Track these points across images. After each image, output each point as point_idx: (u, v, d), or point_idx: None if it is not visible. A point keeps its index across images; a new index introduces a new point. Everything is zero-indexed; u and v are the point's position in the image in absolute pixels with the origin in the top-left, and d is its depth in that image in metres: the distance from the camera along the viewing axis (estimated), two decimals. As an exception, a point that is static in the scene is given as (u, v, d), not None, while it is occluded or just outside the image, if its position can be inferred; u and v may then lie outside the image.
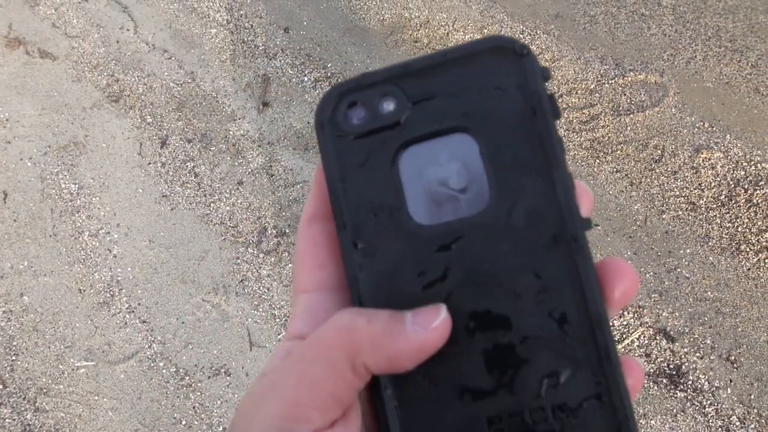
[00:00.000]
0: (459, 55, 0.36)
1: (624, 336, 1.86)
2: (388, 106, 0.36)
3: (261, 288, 2.00)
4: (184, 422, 1.82)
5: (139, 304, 1.99)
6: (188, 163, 2.25)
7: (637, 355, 1.83)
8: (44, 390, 1.87)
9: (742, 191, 2.07)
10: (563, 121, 2.27)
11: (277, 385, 0.31)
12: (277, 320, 1.94)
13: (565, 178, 0.34)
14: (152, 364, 1.89)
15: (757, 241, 1.98)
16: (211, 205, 2.16)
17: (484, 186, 0.35)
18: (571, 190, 0.34)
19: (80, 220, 2.14)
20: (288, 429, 0.30)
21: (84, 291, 2.01)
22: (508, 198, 0.34)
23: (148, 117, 2.36)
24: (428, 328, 0.32)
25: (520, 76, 0.35)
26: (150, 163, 2.26)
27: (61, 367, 1.90)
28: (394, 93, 0.36)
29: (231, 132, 2.31)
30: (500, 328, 0.34)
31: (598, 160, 2.18)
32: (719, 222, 2.03)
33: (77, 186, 2.20)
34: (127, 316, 1.97)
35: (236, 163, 2.24)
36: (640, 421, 1.75)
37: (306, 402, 0.30)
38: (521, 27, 2.51)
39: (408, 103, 0.36)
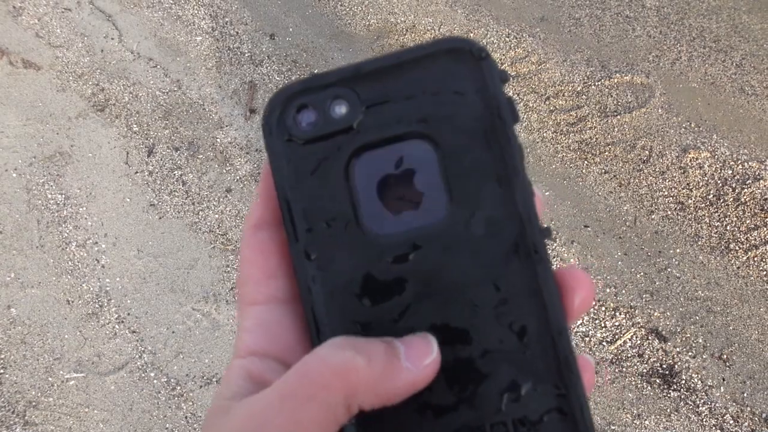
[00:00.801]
0: (414, 57, 0.34)
1: (616, 337, 1.86)
2: (340, 109, 0.34)
3: (251, 296, 1.98)
4: (176, 433, 1.81)
5: (129, 314, 1.97)
6: (176, 172, 2.24)
7: (629, 355, 1.84)
8: (33, 403, 1.84)
9: (730, 190, 2.08)
10: (551, 122, 2.28)
11: (264, 425, 0.29)
12: (269, 328, 1.93)
13: (525, 185, 0.33)
14: (143, 375, 1.87)
15: (746, 239, 1.99)
16: (200, 213, 2.15)
17: (441, 194, 0.34)
18: (530, 198, 0.33)
19: (67, 231, 2.12)
20: None
21: (72, 302, 1.99)
22: (467, 207, 0.33)
23: (135, 126, 2.35)
24: (420, 366, 0.31)
25: (478, 80, 0.34)
26: (137, 172, 2.24)
27: (50, 379, 1.88)
28: (346, 96, 0.34)
29: (218, 139, 2.30)
30: (460, 341, 0.33)
31: (586, 162, 2.18)
32: (708, 221, 2.04)
33: (64, 196, 2.18)
34: (117, 326, 1.95)
35: (224, 171, 2.23)
36: (635, 421, 1.75)
37: None
38: (507, 30, 2.51)
39: (361, 107, 0.34)
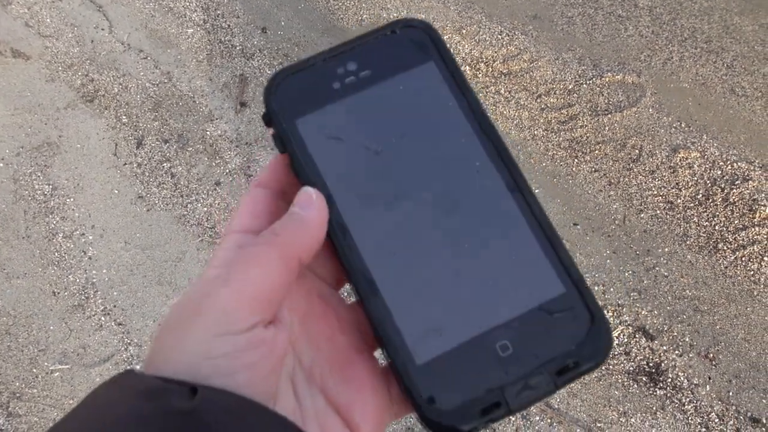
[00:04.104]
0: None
1: (604, 334, 1.86)
2: None
3: (239, 289, 1.97)
4: (161, 426, 1.79)
5: (115, 306, 1.96)
6: (165, 164, 2.22)
7: (616, 353, 1.84)
8: (17, 394, 1.83)
9: (719, 190, 2.08)
10: (542, 120, 2.27)
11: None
12: (256, 322, 1.92)
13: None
14: (128, 367, 1.86)
15: (734, 239, 2.00)
16: (188, 206, 2.14)
17: None
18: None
19: (54, 222, 2.10)
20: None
21: (58, 293, 1.98)
22: None
23: (124, 117, 2.33)
24: (306, 209, 0.36)
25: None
26: (126, 164, 2.23)
27: (34, 370, 1.86)
28: None
29: (208, 132, 2.29)
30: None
31: (576, 160, 2.18)
32: (697, 221, 2.04)
33: (51, 187, 2.17)
34: (103, 318, 1.94)
35: (213, 164, 2.22)
36: (621, 419, 1.75)
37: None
38: (499, 28, 2.51)
39: None
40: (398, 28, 0.38)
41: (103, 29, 2.57)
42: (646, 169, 2.15)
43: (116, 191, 2.17)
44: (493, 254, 0.35)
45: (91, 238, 2.08)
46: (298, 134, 0.37)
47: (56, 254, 2.05)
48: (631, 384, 1.80)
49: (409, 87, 0.37)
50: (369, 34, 0.39)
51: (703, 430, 1.73)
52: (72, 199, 2.15)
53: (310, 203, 0.36)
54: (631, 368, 1.82)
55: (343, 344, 0.38)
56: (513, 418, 1.74)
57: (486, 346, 0.33)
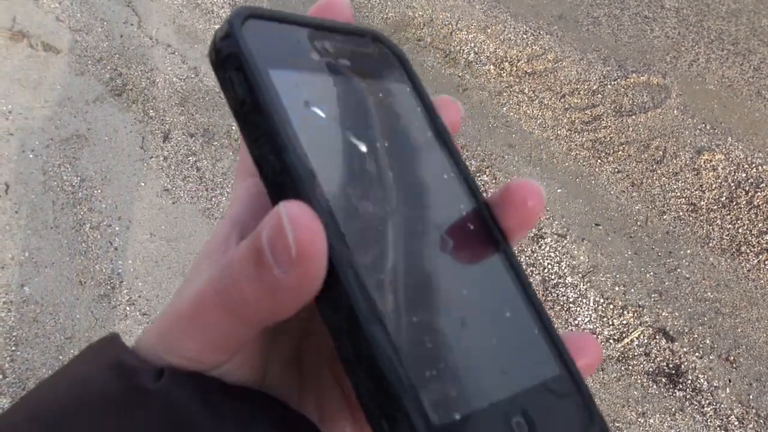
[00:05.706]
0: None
1: (624, 335, 1.86)
2: None
3: (262, 282, 2.00)
4: (183, 415, 1.82)
5: (140, 296, 1.99)
6: (190, 158, 2.25)
7: (636, 353, 1.84)
8: (44, 380, 1.87)
9: (743, 193, 2.07)
10: (566, 120, 2.27)
11: None
12: (278, 315, 1.95)
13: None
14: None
15: (758, 242, 1.99)
16: (213, 199, 2.16)
17: None
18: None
19: (82, 212, 2.14)
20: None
21: (85, 283, 2.01)
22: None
23: (151, 111, 2.36)
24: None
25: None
26: (152, 157, 2.26)
27: (61, 357, 1.90)
28: None
29: (233, 127, 2.32)
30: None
31: (599, 161, 2.18)
32: (720, 223, 2.04)
33: (79, 179, 2.21)
34: (128, 308, 1.97)
35: (238, 158, 2.24)
36: (639, 419, 1.75)
37: None
38: (524, 27, 2.51)
39: None
40: (372, 40, 0.34)
41: (132, 24, 2.61)
42: (670, 170, 2.14)
43: (143, 184, 2.20)
44: (492, 325, 0.29)
45: (117, 229, 2.11)
46: (272, 85, 0.28)
47: (83, 244, 2.08)
48: (651, 385, 1.80)
49: (390, 100, 0.32)
50: (343, 25, 0.33)
51: (723, 432, 1.73)
52: (99, 191, 2.18)
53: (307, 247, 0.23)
54: (651, 369, 1.82)
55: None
56: (531, 416, 1.74)
57: (501, 418, 0.27)
